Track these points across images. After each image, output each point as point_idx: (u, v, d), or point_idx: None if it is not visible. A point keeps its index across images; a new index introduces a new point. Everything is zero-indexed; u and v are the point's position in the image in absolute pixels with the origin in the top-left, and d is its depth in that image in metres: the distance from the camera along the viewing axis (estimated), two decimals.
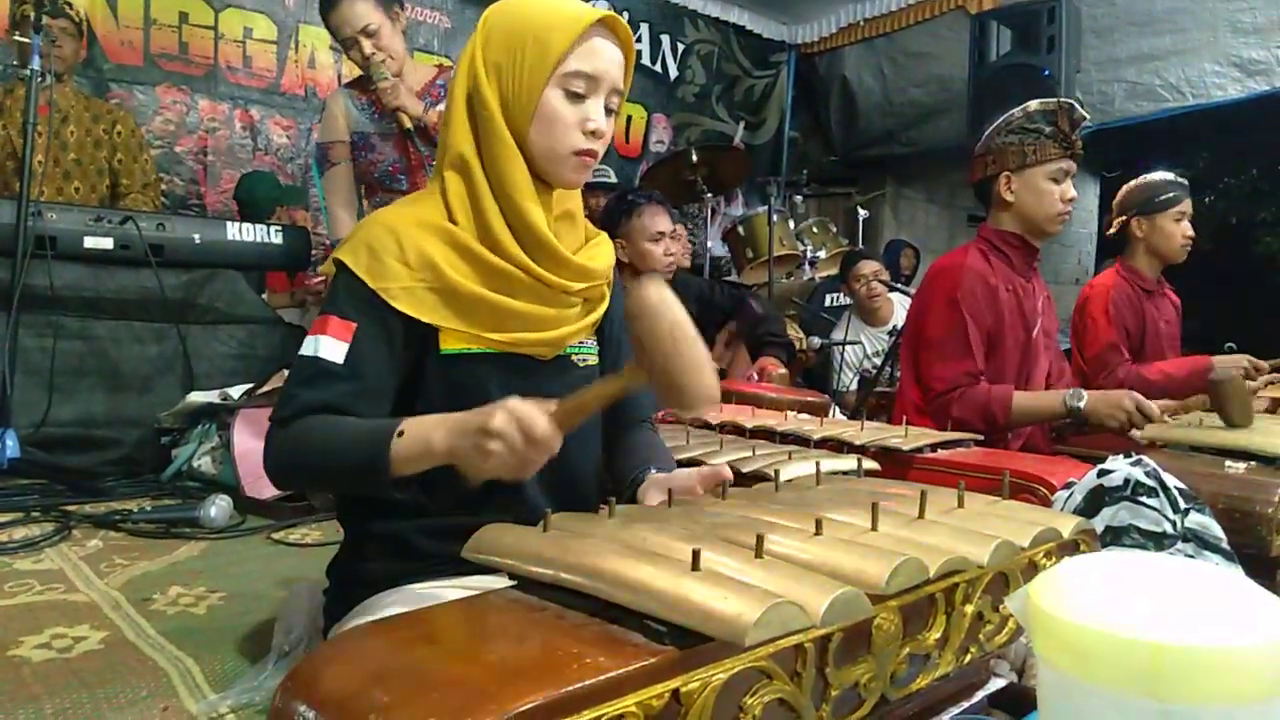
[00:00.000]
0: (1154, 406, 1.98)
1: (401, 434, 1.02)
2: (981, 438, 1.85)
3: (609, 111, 1.20)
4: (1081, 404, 1.99)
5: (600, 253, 1.30)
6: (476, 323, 1.16)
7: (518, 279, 1.17)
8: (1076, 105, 2.12)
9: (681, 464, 1.41)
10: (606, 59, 1.18)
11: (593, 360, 1.32)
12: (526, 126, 1.17)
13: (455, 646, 0.73)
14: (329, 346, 1.11)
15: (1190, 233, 2.74)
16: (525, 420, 0.93)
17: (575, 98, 1.17)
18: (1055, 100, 2.11)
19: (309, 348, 1.12)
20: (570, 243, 1.24)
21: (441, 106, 2.90)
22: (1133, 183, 2.81)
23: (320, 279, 4.19)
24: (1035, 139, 2.09)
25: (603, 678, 0.64)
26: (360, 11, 2.75)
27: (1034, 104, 2.11)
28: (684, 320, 0.95)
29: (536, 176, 1.20)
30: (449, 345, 1.16)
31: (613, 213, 2.90)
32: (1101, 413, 1.99)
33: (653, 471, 1.27)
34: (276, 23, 4.40)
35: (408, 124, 2.80)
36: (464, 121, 1.20)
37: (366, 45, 2.77)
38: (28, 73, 2.81)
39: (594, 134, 1.18)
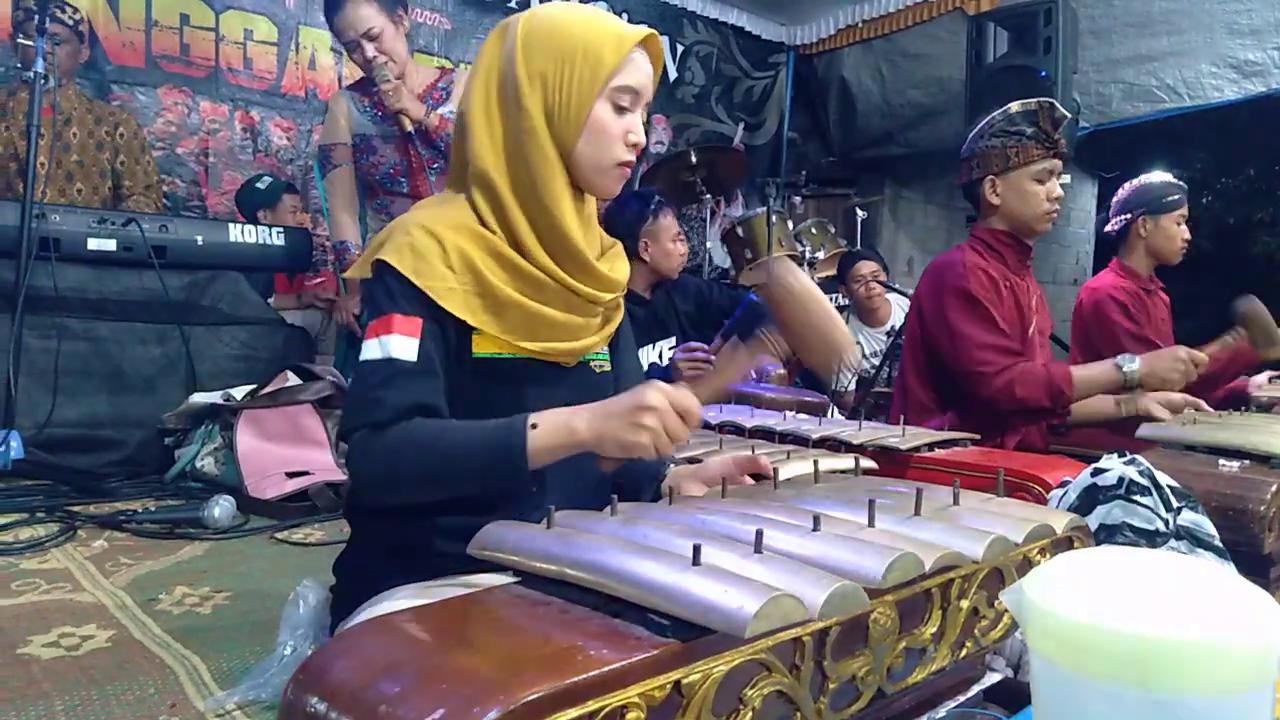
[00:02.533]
0: (1201, 355, 2.04)
1: (535, 426, 1.05)
2: (978, 437, 1.86)
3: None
4: (1135, 366, 2.01)
5: (619, 264, 1.32)
6: (510, 328, 1.18)
7: (551, 288, 1.19)
8: (1056, 104, 2.12)
9: (680, 463, 1.43)
10: (645, 74, 1.22)
11: (606, 366, 1.35)
12: (574, 138, 1.19)
13: (462, 640, 0.74)
14: (400, 345, 1.11)
15: (1188, 236, 2.77)
16: (676, 395, 1.04)
17: (621, 111, 1.20)
18: (1035, 100, 2.12)
19: (375, 350, 1.11)
20: (592, 248, 1.26)
21: (442, 109, 2.92)
22: (1136, 182, 2.83)
23: (321, 280, 4.22)
24: (1017, 141, 2.11)
25: (606, 669, 0.65)
26: (364, 15, 2.77)
27: (1014, 106, 2.13)
28: (818, 291, 1.20)
29: (573, 185, 1.22)
30: (481, 349, 1.18)
31: (640, 212, 2.95)
32: (1160, 370, 2.01)
33: (672, 465, 1.29)
34: (277, 24, 4.42)
35: (409, 127, 2.82)
36: (485, 134, 1.20)
37: (369, 48, 2.79)
38: (31, 75, 2.82)
39: (635, 145, 1.22)
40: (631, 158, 1.22)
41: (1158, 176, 2.81)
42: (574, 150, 1.19)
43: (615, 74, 1.18)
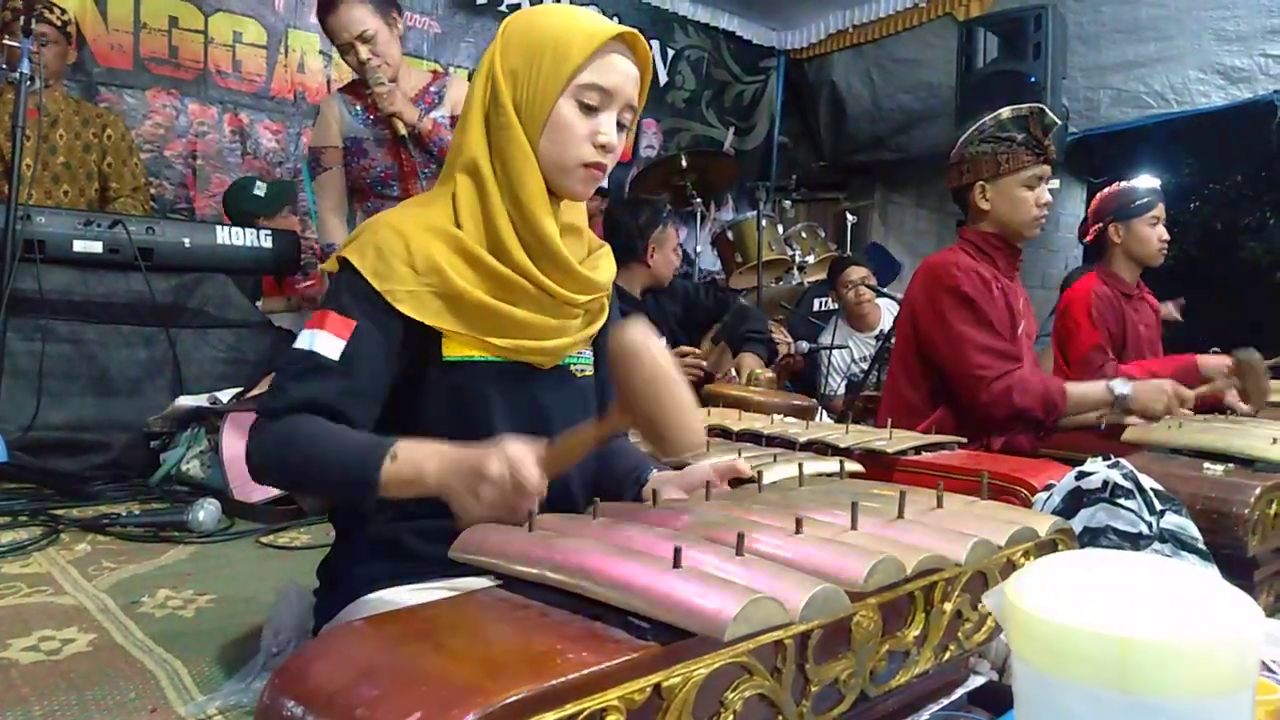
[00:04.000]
0: (1188, 392, 2.10)
1: (394, 457, 1.02)
2: (965, 440, 1.87)
3: (621, 127, 1.21)
4: (1128, 391, 2.07)
5: (603, 265, 1.31)
6: (479, 329, 1.17)
7: (522, 288, 1.18)
8: (1047, 110, 2.14)
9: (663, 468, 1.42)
10: (622, 74, 1.19)
11: (589, 371, 1.33)
12: (538, 135, 1.18)
13: (441, 643, 0.74)
14: (325, 342, 1.11)
15: (1166, 236, 2.78)
16: (518, 467, 0.96)
17: (588, 110, 1.17)
18: (1026, 106, 2.13)
19: (304, 341, 1.12)
20: (575, 255, 1.25)
21: (435, 113, 2.91)
22: (1107, 190, 2.85)
23: (310, 282, 4.20)
24: (1008, 147, 2.12)
25: (586, 672, 0.65)
26: (357, 17, 2.76)
27: (1005, 111, 2.14)
28: (666, 363, 0.97)
29: (547, 188, 1.20)
30: (451, 352, 1.17)
31: (652, 219, 3.01)
32: (1145, 399, 2.06)
33: (654, 471, 1.28)
34: (266, 27, 4.41)
35: (402, 130, 2.81)
36: (479, 126, 1.21)
37: (363, 51, 2.78)
38: (16, 76, 2.81)
39: (604, 147, 1.18)
40: (600, 159, 1.19)
41: (1128, 182, 2.83)
42: (539, 147, 1.18)
43: (581, 71, 1.16)
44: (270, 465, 1.12)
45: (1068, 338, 2.75)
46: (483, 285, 1.16)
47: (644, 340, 0.97)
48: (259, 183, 4.13)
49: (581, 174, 1.20)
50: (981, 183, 2.16)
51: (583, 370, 1.31)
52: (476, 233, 1.18)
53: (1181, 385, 2.10)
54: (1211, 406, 2.38)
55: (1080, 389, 2.11)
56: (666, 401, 0.97)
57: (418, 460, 1.02)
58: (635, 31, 1.20)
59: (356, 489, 1.04)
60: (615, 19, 5.21)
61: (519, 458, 0.96)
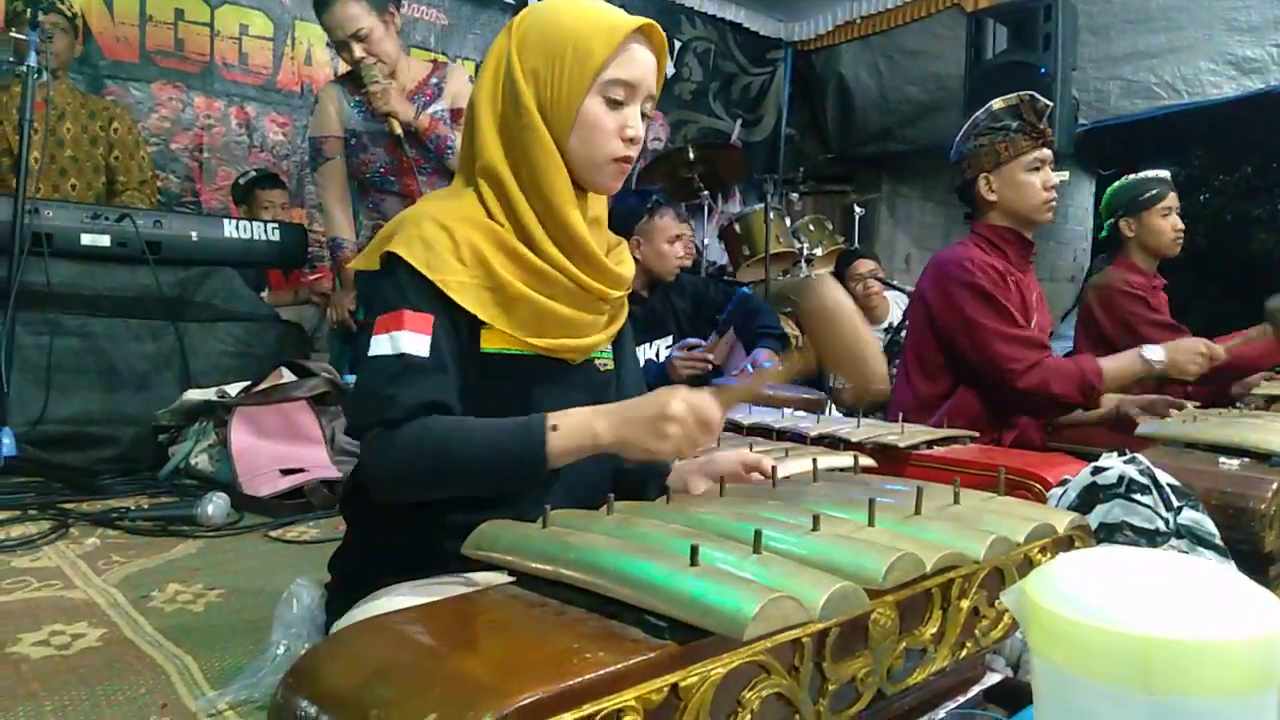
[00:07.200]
0: (1219, 348, 2.12)
1: (555, 428, 1.05)
2: (977, 434, 1.85)
3: (644, 117, 1.21)
4: (1160, 356, 2.08)
5: (625, 261, 1.31)
6: (519, 323, 1.16)
7: (560, 283, 1.17)
8: (1037, 95, 2.14)
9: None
10: (644, 66, 1.18)
11: (610, 365, 1.33)
12: (566, 134, 1.17)
13: (456, 642, 0.73)
14: (410, 341, 1.08)
15: (1180, 225, 2.76)
16: (700, 407, 1.04)
17: (614, 105, 1.17)
18: (1015, 95, 2.14)
19: (384, 346, 1.08)
20: (600, 246, 1.24)
21: (433, 108, 2.90)
22: (1116, 184, 2.83)
23: (318, 275, 4.19)
24: (1004, 136, 2.11)
25: (602, 672, 0.64)
26: (353, 14, 2.74)
27: (997, 103, 2.14)
28: (858, 315, 1.16)
29: (572, 182, 1.20)
30: (489, 345, 1.16)
31: (635, 210, 2.93)
32: (1180, 361, 2.08)
33: (676, 461, 1.28)
34: (273, 19, 4.40)
35: (398, 130, 2.79)
36: (493, 128, 1.19)
37: (358, 49, 2.76)
38: (24, 69, 2.80)
39: (632, 140, 1.18)
40: (629, 153, 1.19)
41: (1136, 175, 2.81)
42: (567, 146, 1.17)
43: (605, 67, 1.15)
44: (411, 474, 1.06)
45: (1122, 329, 2.70)
46: (524, 279, 1.15)
47: (840, 295, 1.15)
48: (250, 172, 4.12)
49: (612, 168, 1.20)
50: (985, 175, 2.16)
51: (605, 365, 1.32)
52: (509, 229, 1.17)
53: (1213, 344, 2.11)
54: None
55: (1115, 364, 2.10)
56: (867, 344, 1.16)
57: (583, 423, 1.06)
58: (652, 21, 1.19)
59: (524, 471, 1.05)
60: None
61: (697, 398, 1.04)
